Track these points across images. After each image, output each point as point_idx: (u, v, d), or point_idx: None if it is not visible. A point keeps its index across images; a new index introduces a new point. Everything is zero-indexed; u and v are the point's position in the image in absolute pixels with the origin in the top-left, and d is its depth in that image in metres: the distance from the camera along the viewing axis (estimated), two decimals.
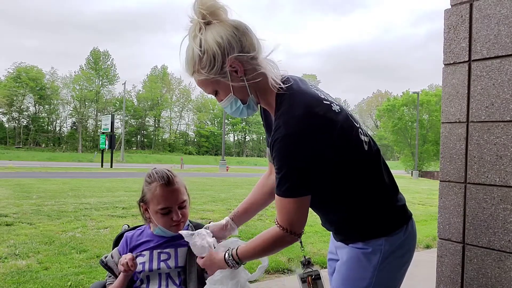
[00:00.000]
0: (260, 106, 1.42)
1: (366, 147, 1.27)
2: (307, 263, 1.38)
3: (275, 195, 1.23)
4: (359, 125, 1.30)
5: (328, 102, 1.23)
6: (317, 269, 1.37)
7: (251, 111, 1.32)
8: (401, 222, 1.31)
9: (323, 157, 1.18)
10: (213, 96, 1.32)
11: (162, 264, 1.60)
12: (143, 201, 1.66)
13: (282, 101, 1.22)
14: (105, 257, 1.69)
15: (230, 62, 1.20)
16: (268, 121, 1.41)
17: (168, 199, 1.60)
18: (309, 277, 1.36)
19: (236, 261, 1.34)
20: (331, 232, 1.46)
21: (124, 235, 1.74)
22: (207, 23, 1.21)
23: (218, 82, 1.24)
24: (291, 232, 1.23)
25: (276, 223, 1.25)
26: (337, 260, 1.39)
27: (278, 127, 1.18)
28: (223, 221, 1.57)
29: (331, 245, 1.50)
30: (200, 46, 1.20)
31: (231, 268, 1.36)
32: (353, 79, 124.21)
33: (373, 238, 1.27)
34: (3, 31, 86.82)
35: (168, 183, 1.60)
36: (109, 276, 1.67)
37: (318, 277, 1.36)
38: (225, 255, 1.37)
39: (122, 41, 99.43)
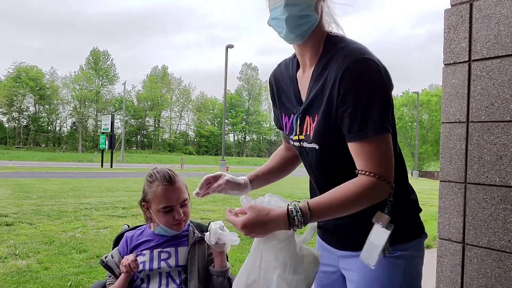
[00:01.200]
0: (270, 81, 1.36)
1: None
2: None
3: (352, 143, 1.06)
4: None
5: None
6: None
7: (305, 32, 1.15)
8: (421, 223, 1.26)
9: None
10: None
11: (163, 263, 1.61)
12: (144, 201, 1.67)
13: (336, 41, 1.15)
14: (105, 257, 1.69)
15: None
16: (280, 87, 1.32)
17: (170, 198, 1.61)
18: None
19: (306, 216, 1.02)
20: (324, 243, 1.34)
21: (124, 235, 1.75)
22: None
23: None
24: (384, 178, 1.03)
25: (363, 172, 1.04)
26: (335, 272, 1.30)
27: (345, 56, 1.06)
28: (240, 180, 1.40)
29: (328, 256, 1.32)
30: None
31: (296, 225, 1.03)
32: None
33: (403, 242, 1.16)
34: (3, 31, 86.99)
35: (169, 182, 1.61)
36: (109, 276, 1.67)
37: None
38: (288, 208, 1.04)
39: (122, 42, 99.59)
